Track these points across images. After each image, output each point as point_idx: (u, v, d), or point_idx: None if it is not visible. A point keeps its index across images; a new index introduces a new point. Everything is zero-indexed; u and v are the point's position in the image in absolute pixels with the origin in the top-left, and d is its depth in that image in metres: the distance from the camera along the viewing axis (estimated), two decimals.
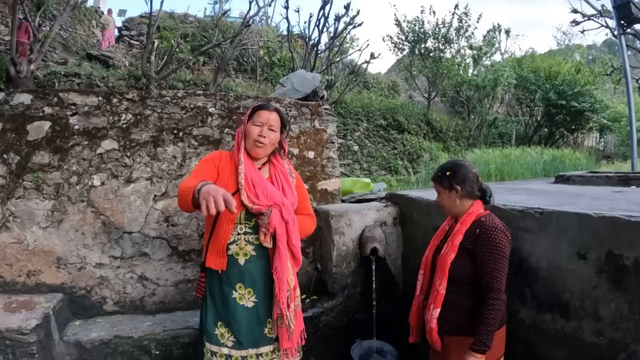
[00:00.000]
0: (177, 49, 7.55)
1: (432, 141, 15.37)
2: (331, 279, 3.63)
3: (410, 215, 3.62)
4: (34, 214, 3.47)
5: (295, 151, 3.89)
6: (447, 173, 2.30)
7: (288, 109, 3.91)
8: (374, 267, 3.44)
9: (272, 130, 2.40)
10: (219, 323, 2.36)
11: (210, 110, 3.73)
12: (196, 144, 3.68)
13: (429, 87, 18.77)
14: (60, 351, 3.14)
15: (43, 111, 3.55)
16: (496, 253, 2.11)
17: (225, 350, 2.34)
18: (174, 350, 3.18)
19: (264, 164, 2.49)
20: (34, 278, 3.48)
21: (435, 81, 18.07)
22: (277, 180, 2.45)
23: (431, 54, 17.91)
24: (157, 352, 3.18)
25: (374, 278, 3.42)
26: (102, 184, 3.52)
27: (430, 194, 3.72)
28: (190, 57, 8.31)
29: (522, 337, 2.34)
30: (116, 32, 14.92)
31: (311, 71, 7.11)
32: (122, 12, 16.14)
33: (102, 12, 16.14)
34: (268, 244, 2.29)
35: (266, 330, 2.39)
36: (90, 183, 3.51)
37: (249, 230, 2.32)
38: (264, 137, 2.37)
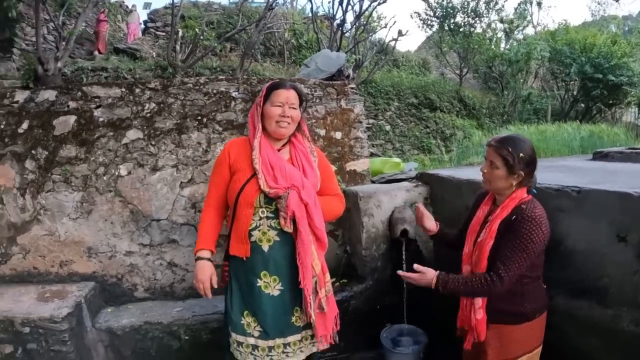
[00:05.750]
0: (202, 37, 7.56)
1: (465, 119, 15.08)
2: (361, 262, 3.57)
3: (441, 195, 3.51)
4: (63, 206, 3.53)
5: (322, 132, 3.81)
6: (520, 155, 2.03)
7: (313, 89, 3.83)
8: (404, 249, 3.32)
9: (293, 108, 2.33)
10: (245, 312, 2.32)
11: (234, 94, 3.69)
12: (220, 129, 3.64)
13: (460, 64, 18.37)
14: (92, 338, 3.22)
15: (68, 106, 3.58)
16: (519, 244, 1.97)
17: (251, 341, 2.30)
18: (202, 335, 3.20)
19: (284, 145, 2.42)
20: (66, 268, 3.56)
21: (466, 57, 17.68)
22: (297, 160, 2.38)
23: (461, 29, 17.51)
24: (186, 338, 3.21)
25: (404, 261, 3.28)
26: (129, 173, 3.54)
27: (461, 172, 3.59)
28: (216, 44, 8.32)
29: (552, 324, 2.22)
30: (142, 25, 15.06)
31: (337, 51, 7.01)
32: (147, 5, 16.26)
33: (127, 7, 16.32)
34: (288, 228, 2.22)
35: (293, 319, 2.33)
36: (117, 173, 3.53)
37: (271, 215, 2.26)
38: (287, 116, 2.30)
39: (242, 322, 2.31)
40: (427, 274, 2.14)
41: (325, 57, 4.71)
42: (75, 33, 6.50)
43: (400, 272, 2.26)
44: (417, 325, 3.28)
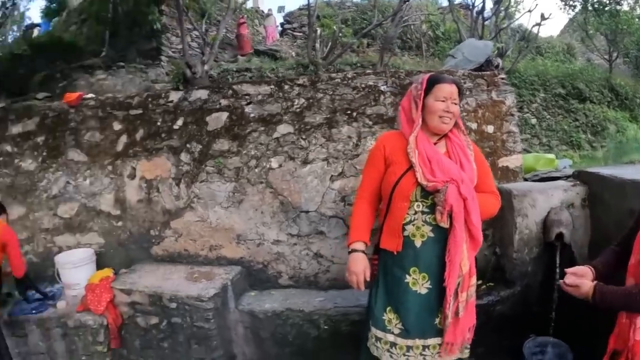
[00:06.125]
0: (341, 34, 7.67)
1: (617, 110, 13.49)
2: (510, 266, 3.35)
3: (601, 196, 3.16)
4: (215, 196, 3.80)
5: (474, 126, 3.64)
6: None
7: (462, 80, 3.67)
8: (558, 254, 3.06)
9: (454, 103, 2.24)
10: (388, 308, 2.27)
11: (382, 88, 3.66)
12: (370, 123, 3.64)
13: (608, 47, 16.43)
14: (234, 318, 3.43)
15: (220, 103, 3.85)
16: None
17: (390, 338, 2.25)
18: (342, 326, 3.23)
19: (439, 138, 2.32)
20: (215, 252, 3.84)
21: (615, 39, 15.73)
22: (454, 154, 2.27)
23: (607, 8, 15.56)
24: (325, 327, 3.27)
25: (557, 267, 3.02)
26: (280, 166, 3.69)
27: (623, 171, 3.22)
28: (354, 40, 8.40)
29: None
30: (279, 27, 15.63)
31: (479, 40, 6.71)
32: (280, 9, 16.90)
33: (262, 11, 17.06)
34: (445, 223, 2.13)
35: (437, 320, 2.23)
36: (268, 166, 3.71)
37: (426, 210, 2.18)
38: (450, 112, 2.22)
39: (383, 317, 2.27)
40: (583, 286, 1.90)
41: (472, 47, 4.53)
42: (219, 38, 6.97)
43: (562, 282, 2.00)
44: (563, 339, 3.01)
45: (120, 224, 4.13)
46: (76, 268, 3.85)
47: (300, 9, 14.59)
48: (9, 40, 18.32)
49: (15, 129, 4.45)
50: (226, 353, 3.37)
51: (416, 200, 2.19)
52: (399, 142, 2.31)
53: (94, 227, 4.22)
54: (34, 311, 3.61)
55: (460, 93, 2.30)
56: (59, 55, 8.88)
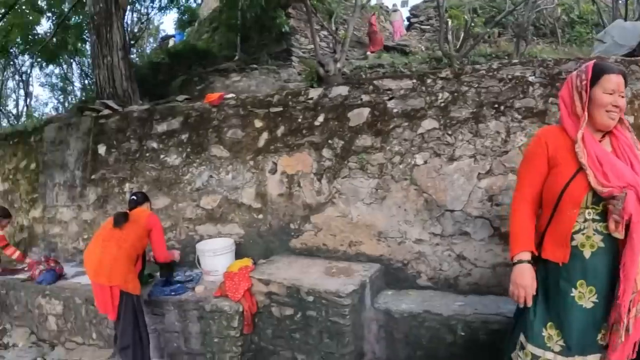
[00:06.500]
0: (473, 24, 7.41)
1: None
2: None
3: None
4: (358, 192, 3.82)
5: (630, 119, 3.19)
6: None
7: None
8: None
9: (621, 96, 2.01)
10: (548, 324, 2.09)
11: (530, 79, 3.39)
12: (519, 117, 3.38)
13: None
14: (369, 316, 3.42)
15: (361, 99, 3.86)
16: None
17: (549, 356, 2.07)
18: (480, 334, 3.06)
19: (603, 135, 2.09)
20: (354, 248, 3.86)
21: None
22: (622, 154, 2.03)
23: None
24: (462, 334, 3.13)
25: None
26: (425, 162, 3.60)
27: None
28: (488, 30, 8.04)
29: None
30: (405, 22, 15.48)
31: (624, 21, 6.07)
32: (404, 3, 16.78)
33: (387, 7, 16.97)
34: (620, 234, 1.91)
35: (599, 336, 2.03)
36: (412, 162, 3.64)
37: (597, 217, 1.97)
38: (618, 106, 2.00)
39: (543, 333, 2.10)
40: None
41: (621, 29, 4.16)
42: (349, 36, 7.06)
43: None
44: None
45: (260, 216, 4.34)
46: (216, 256, 4.13)
47: (424, 1, 14.34)
48: (147, 51, 20.17)
49: (160, 128, 4.90)
50: (356, 349, 3.36)
51: (586, 207, 2.00)
52: (561, 139, 2.12)
53: (234, 218, 4.49)
54: (172, 293, 3.90)
55: (626, 84, 2.07)
56: (195, 61, 9.75)
